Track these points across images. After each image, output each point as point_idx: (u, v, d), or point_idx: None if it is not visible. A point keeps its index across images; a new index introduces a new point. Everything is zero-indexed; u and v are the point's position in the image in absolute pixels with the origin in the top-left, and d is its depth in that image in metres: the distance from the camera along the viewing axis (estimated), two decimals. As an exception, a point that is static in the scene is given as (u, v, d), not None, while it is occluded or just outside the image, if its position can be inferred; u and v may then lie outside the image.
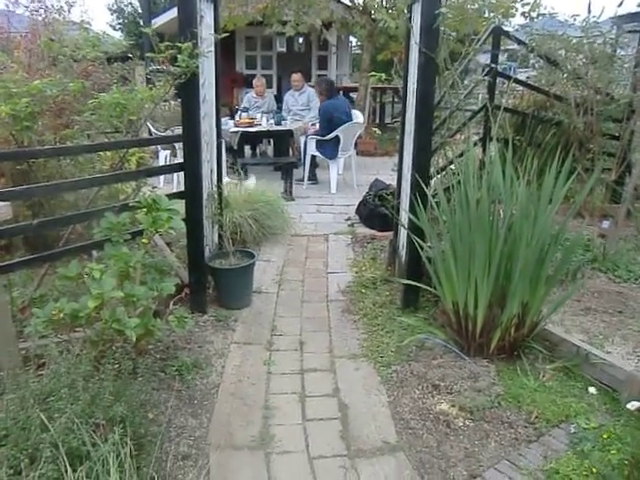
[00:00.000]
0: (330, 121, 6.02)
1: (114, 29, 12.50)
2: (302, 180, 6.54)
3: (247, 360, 2.78)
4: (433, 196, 2.92)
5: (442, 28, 2.62)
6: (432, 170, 3.22)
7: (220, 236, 3.55)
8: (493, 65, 4.31)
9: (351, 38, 12.52)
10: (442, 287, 2.75)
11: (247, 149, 8.29)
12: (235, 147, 6.76)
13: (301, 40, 13.99)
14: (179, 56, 2.52)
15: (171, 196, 2.98)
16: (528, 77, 5.57)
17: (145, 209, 2.48)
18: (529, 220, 2.53)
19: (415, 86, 2.80)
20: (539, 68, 5.21)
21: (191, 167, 2.90)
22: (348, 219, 5.21)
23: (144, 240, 2.47)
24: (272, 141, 7.69)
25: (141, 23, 11.93)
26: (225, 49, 12.44)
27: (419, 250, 2.91)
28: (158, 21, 11.74)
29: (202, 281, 3.15)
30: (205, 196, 3.22)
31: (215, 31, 3.17)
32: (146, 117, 2.82)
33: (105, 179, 2.63)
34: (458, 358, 2.70)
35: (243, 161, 5.82)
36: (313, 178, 6.67)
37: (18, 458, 1.31)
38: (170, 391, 2.45)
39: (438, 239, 2.82)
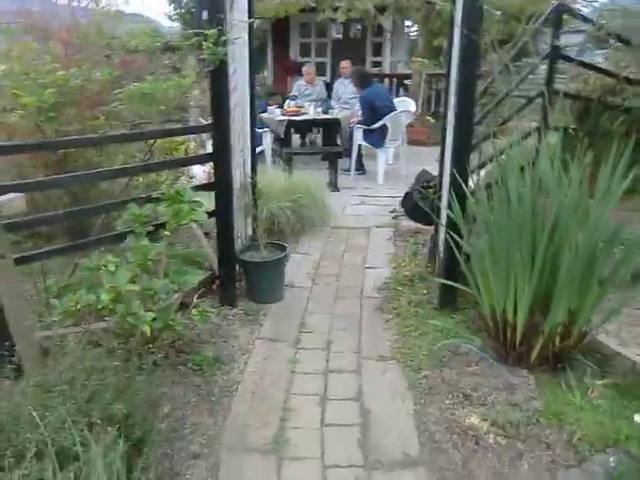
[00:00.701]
0: (372, 109, 5.84)
1: (171, 19, 12.69)
2: (349, 170, 6.39)
3: (271, 357, 2.70)
4: (473, 193, 2.70)
5: (486, 7, 2.38)
6: (476, 163, 2.99)
7: (254, 228, 3.48)
8: (550, 46, 3.96)
9: (409, 23, 12.12)
10: (478, 289, 2.54)
11: (297, 138, 8.24)
12: (282, 136, 6.70)
13: (359, 26, 13.73)
14: (204, 43, 2.44)
15: (200, 187, 2.95)
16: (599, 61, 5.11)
17: (168, 201, 2.44)
18: (578, 216, 2.27)
19: (456, 72, 2.58)
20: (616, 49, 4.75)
21: (220, 158, 2.83)
22: (392, 211, 5.02)
23: (167, 232, 2.43)
24: (321, 130, 7.56)
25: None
26: (279, 36, 12.40)
27: (455, 248, 2.70)
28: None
29: (232, 274, 3.09)
30: (237, 187, 3.15)
31: (249, 16, 3.06)
32: (175, 107, 2.78)
33: (129, 170, 2.61)
34: (494, 366, 2.49)
35: (288, 150, 5.74)
36: (360, 168, 6.50)
37: (5, 455, 1.29)
38: (189, 386, 2.42)
39: (476, 237, 2.60)
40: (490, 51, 2.88)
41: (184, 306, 2.64)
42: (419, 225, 4.56)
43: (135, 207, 2.42)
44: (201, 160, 3.00)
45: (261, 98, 11.50)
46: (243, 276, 3.31)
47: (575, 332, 2.36)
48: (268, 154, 6.11)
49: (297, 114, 6.57)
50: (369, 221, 4.78)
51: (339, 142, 7.46)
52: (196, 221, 2.42)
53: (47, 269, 2.90)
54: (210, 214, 3.02)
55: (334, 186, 5.78)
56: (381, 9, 8.27)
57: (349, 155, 6.45)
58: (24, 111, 2.27)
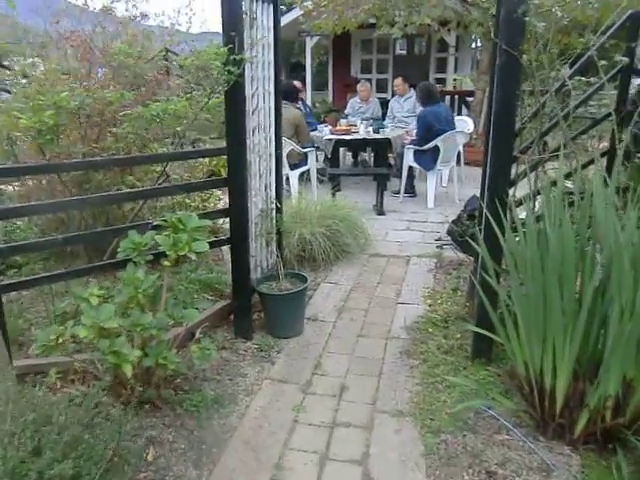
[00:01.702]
0: (429, 130, 5.48)
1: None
2: (399, 192, 6.08)
3: (276, 402, 2.46)
4: (514, 229, 2.34)
5: (527, 18, 2.05)
6: (523, 192, 2.63)
7: (278, 256, 3.28)
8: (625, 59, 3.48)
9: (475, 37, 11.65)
10: (510, 342, 2.17)
11: (349, 157, 8.03)
12: (329, 155, 6.52)
13: (423, 42, 13.42)
14: (214, 63, 2.29)
15: (213, 213, 2.79)
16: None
17: (170, 229, 2.29)
18: (638, 267, 1.87)
19: (494, 93, 2.26)
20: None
21: (235, 182, 2.66)
22: (438, 239, 4.66)
23: (166, 263, 2.27)
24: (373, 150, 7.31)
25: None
26: (340, 53, 12.33)
27: (484, 290, 2.36)
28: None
29: (246, 306, 2.90)
30: (255, 213, 2.97)
31: (275, 35, 2.90)
32: (186, 129, 2.65)
33: (134, 195, 2.50)
34: (529, 438, 2.11)
35: (332, 171, 5.53)
36: (411, 191, 6.17)
37: None
38: (181, 430, 2.23)
39: (511, 280, 2.24)
40: (542, 68, 2.53)
41: (193, 336, 2.49)
42: (464, 258, 4.18)
43: (135, 235, 2.29)
44: (215, 185, 2.85)
45: (319, 116, 11.48)
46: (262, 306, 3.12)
47: (631, 407, 1.95)
48: (313, 174, 5.92)
49: (347, 133, 6.37)
50: (411, 249, 4.45)
51: (392, 162, 7.19)
52: (197, 252, 2.25)
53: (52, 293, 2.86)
54: (225, 241, 2.87)
55: (380, 209, 5.49)
56: (443, 24, 7.93)
57: (400, 176, 6.16)
58: (23, 133, 2.23)
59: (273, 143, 3.07)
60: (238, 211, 2.72)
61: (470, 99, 9.26)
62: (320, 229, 4.00)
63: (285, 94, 5.96)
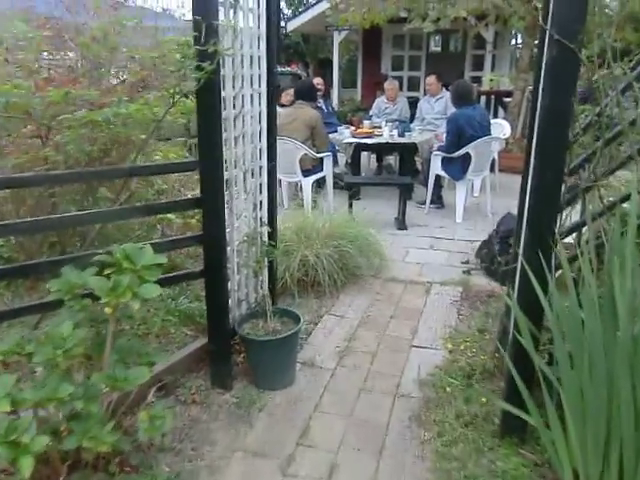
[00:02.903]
0: (460, 136, 4.85)
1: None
2: (424, 203, 5.48)
3: (245, 486, 1.95)
4: (560, 266, 1.76)
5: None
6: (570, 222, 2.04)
7: (270, 289, 2.77)
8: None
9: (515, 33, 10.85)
10: (554, 444, 1.60)
11: (373, 159, 7.45)
12: (349, 160, 5.98)
13: (459, 38, 12.70)
14: (177, 56, 1.79)
15: (180, 242, 2.29)
16: None
17: (115, 267, 1.80)
18: None
19: (540, 95, 1.68)
20: None
21: (209, 203, 2.16)
22: (466, 262, 4.06)
23: (107, 310, 1.78)
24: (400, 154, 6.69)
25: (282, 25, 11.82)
26: (370, 49, 11.71)
27: (524, 357, 1.78)
28: (297, 21, 11.49)
29: (224, 350, 2.40)
30: (240, 239, 2.47)
31: (269, 21, 2.38)
32: (149, 137, 2.16)
33: (80, 218, 2.02)
34: None
35: (349, 180, 4.97)
36: (437, 201, 5.56)
37: None
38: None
39: (560, 357, 1.66)
40: (605, 66, 1.94)
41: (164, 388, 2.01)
42: (496, 287, 3.58)
43: (70, 272, 1.81)
44: (184, 206, 2.34)
45: (346, 115, 10.92)
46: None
47: None
48: (329, 182, 5.38)
49: (369, 136, 5.81)
50: (434, 274, 3.87)
51: (419, 168, 6.58)
52: (145, 299, 1.75)
53: None
54: (198, 274, 2.36)
55: (401, 223, 4.91)
56: (480, 17, 7.25)
57: (426, 181, 5.56)
58: None
59: (265, 154, 2.55)
60: (214, 238, 2.22)
61: (508, 100, 8.54)
62: (327, 250, 3.47)
63: (300, 93, 5.47)
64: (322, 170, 5.24)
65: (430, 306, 3.36)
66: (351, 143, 5.64)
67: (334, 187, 5.56)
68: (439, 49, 13.13)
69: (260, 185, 2.60)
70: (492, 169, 5.30)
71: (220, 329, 2.35)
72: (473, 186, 5.91)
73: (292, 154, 4.94)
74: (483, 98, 9.13)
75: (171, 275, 2.28)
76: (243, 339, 2.46)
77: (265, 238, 2.65)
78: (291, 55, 12.57)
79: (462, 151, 4.88)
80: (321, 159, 5.22)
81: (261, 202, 2.62)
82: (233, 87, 2.19)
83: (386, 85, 7.03)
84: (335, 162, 6.28)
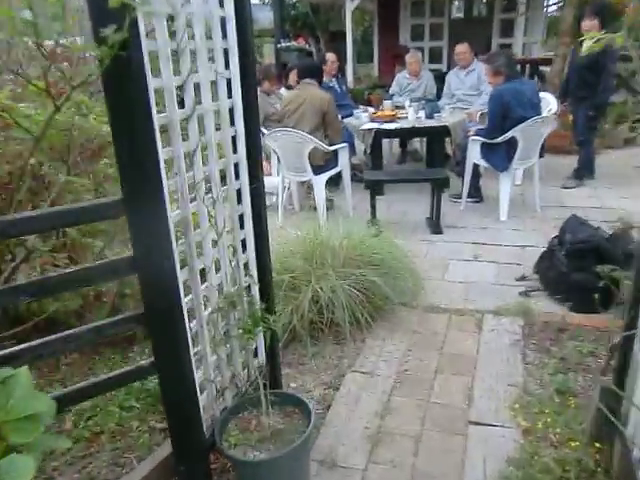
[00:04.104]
0: (505, 117, 3.94)
1: (264, 3, 11.54)
2: (459, 196, 4.63)
3: None
4: None
5: None
6: None
7: (271, 360, 2.00)
8: None
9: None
10: None
11: (395, 144, 6.57)
12: (368, 150, 5.12)
13: (483, 1, 11.59)
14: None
15: (114, 327, 1.49)
16: None
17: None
18: None
19: None
20: None
21: (147, 265, 1.37)
22: (522, 278, 3.23)
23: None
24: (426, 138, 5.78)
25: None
26: (387, 18, 10.65)
27: None
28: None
29: (198, 472, 1.64)
30: (213, 304, 1.69)
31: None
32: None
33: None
34: None
35: (370, 176, 4.12)
36: (475, 194, 4.69)
37: None
38: None
39: None
40: None
41: None
42: (569, 315, 2.75)
43: None
44: (108, 273, 1.47)
45: (362, 93, 9.96)
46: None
47: None
48: (346, 179, 4.54)
49: (391, 120, 4.93)
50: (483, 297, 3.06)
51: (450, 152, 5.70)
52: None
53: None
54: (146, 371, 1.58)
55: (435, 226, 4.08)
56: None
57: (461, 174, 4.70)
58: None
59: (245, 170, 1.75)
60: (161, 315, 1.44)
61: (545, 68, 7.53)
62: (345, 282, 2.68)
63: (305, 72, 4.59)
64: (337, 165, 4.40)
65: (485, 351, 2.55)
66: (370, 129, 4.78)
67: (353, 179, 4.74)
68: (461, 15, 12.00)
69: (241, 217, 1.81)
70: (541, 154, 4.39)
71: (189, 444, 1.59)
72: (515, 173, 5.01)
73: (300, 148, 4.12)
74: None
75: (97, 381, 1.50)
76: (227, 458, 1.69)
77: (255, 292, 1.87)
78: (299, 29, 11.56)
79: (507, 135, 3.98)
80: (335, 152, 4.38)
81: (244, 241, 1.83)
82: (175, 71, 1.38)
83: (408, 58, 6.10)
84: (352, 151, 5.44)
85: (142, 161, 1.26)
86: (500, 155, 4.11)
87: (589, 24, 4.66)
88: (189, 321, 1.57)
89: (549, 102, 5.35)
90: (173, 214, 1.45)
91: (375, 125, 4.77)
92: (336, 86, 6.01)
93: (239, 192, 1.79)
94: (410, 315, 2.91)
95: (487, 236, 3.96)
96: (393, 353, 2.58)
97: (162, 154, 1.34)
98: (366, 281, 2.74)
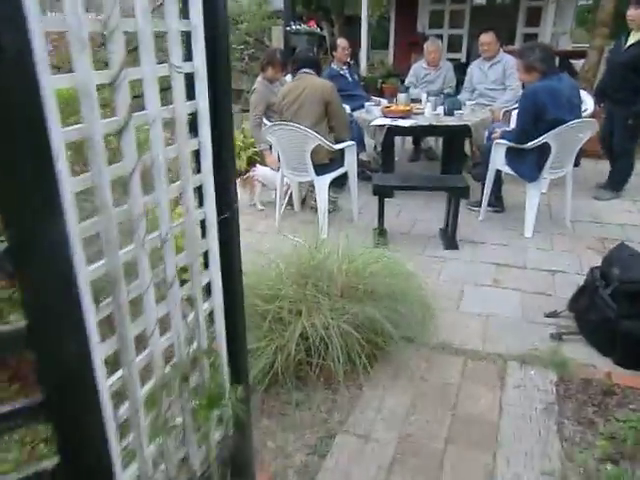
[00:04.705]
0: (539, 118, 3.40)
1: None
2: (477, 204, 4.11)
3: None
4: None
5: None
6: None
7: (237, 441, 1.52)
8: None
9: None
10: None
11: (408, 141, 6.04)
12: (379, 148, 4.61)
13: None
14: None
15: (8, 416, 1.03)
16: None
17: None
18: None
19: None
20: None
21: (46, 340, 0.90)
22: (553, 314, 2.73)
23: None
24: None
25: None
26: (404, 3, 10.01)
27: None
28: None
29: None
30: (158, 374, 1.21)
31: None
32: None
33: None
34: None
35: (379, 182, 3.59)
36: (496, 203, 4.17)
37: None
38: None
39: None
40: None
41: None
42: (617, 372, 2.25)
43: None
44: None
45: (375, 82, 9.37)
46: None
47: None
48: (353, 181, 4.04)
49: (405, 116, 4.40)
50: (506, 336, 2.57)
51: (468, 152, 5.16)
52: None
53: None
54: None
55: (450, 240, 3.58)
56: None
57: (480, 179, 4.18)
58: None
59: (211, 198, 1.26)
60: (67, 408, 0.97)
61: (577, 62, 6.93)
62: (342, 317, 2.20)
63: (303, 63, 4.08)
64: (343, 165, 3.90)
65: (510, 416, 2.07)
66: (382, 126, 4.26)
67: (360, 177, 4.24)
68: (484, 1, 11.31)
69: (206, 254, 1.32)
70: (577, 162, 3.85)
71: None
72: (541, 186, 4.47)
73: (300, 145, 3.61)
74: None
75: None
76: None
77: (222, 361, 1.39)
78: (313, 11, 10.94)
79: (539, 140, 3.45)
80: (342, 151, 3.87)
81: (210, 284, 1.36)
82: (102, 63, 0.90)
83: (427, 46, 5.53)
84: (361, 147, 4.92)
85: (29, 197, 0.79)
86: (529, 163, 3.58)
87: (635, 13, 4.10)
88: (117, 407, 1.11)
89: (584, 101, 4.78)
90: (91, 268, 0.98)
91: (388, 121, 4.24)
92: (347, 74, 5.48)
93: (204, 223, 1.31)
94: (417, 356, 2.43)
95: (509, 255, 3.46)
96: (394, 409, 2.11)
97: (69, 185, 0.86)
98: (366, 318, 2.26)
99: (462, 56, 9.54)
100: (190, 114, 1.24)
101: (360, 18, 9.52)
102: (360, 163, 4.57)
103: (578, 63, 7.15)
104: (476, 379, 2.28)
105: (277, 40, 7.82)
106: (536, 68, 3.34)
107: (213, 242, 1.34)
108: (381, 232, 3.56)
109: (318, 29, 8.75)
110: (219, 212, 1.33)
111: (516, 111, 4.68)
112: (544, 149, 3.48)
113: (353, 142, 3.90)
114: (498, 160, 3.79)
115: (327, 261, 2.52)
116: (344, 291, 2.39)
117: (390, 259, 2.63)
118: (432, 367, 2.37)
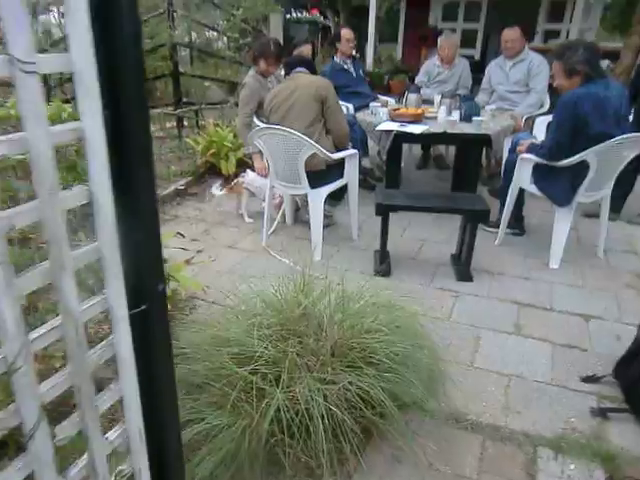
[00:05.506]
0: (578, 132, 2.85)
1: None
2: (495, 225, 3.60)
3: None
4: None
5: None
6: None
7: None
8: None
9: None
10: None
11: (416, 147, 5.51)
12: (383, 156, 4.09)
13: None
14: None
15: None
16: None
17: None
18: None
19: None
20: None
21: None
22: (591, 379, 2.22)
23: None
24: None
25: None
26: (417, -5, 9.44)
27: None
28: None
29: None
30: None
31: None
32: None
33: None
34: None
35: (383, 201, 3.05)
36: (516, 225, 3.66)
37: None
38: None
39: None
40: None
41: None
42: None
43: None
44: None
45: (382, 78, 8.81)
46: None
47: None
48: (353, 195, 3.51)
49: (416, 120, 3.87)
50: (533, 407, 2.07)
51: (483, 162, 4.64)
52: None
53: None
54: None
55: (464, 270, 3.06)
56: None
57: (501, 197, 3.65)
58: None
59: (117, 280, 0.76)
60: None
61: (609, 63, 6.37)
62: (331, 390, 1.70)
63: (295, 64, 3.55)
64: (342, 175, 3.37)
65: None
66: (389, 132, 3.72)
67: (362, 186, 3.74)
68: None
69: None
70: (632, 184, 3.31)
71: None
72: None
73: (293, 152, 3.09)
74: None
75: None
76: None
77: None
78: (318, 2, 10.37)
79: (577, 157, 2.92)
80: (341, 160, 3.34)
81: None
82: None
83: (441, 41, 4.98)
84: (364, 152, 4.40)
85: None
86: (561, 183, 3.05)
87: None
88: None
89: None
90: None
91: (396, 126, 3.70)
92: (351, 69, 4.94)
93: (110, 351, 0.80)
94: (423, 432, 1.93)
95: (532, 292, 2.95)
96: (394, 521, 1.61)
97: None
98: (362, 390, 1.75)
99: (476, 53, 9.00)
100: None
101: (367, 9, 8.95)
102: (362, 170, 4.06)
103: (603, 63, 6.62)
104: (498, 471, 1.79)
105: (275, 29, 7.25)
106: (579, 72, 2.79)
107: (123, 347, 0.84)
108: (383, 257, 3.05)
109: (321, 17, 8.17)
110: (133, 300, 0.83)
111: (541, 118, 4.17)
112: (580, 168, 2.95)
113: (355, 150, 3.37)
114: (524, 178, 3.26)
115: (317, 307, 2.02)
116: (336, 349, 1.89)
117: (395, 305, 2.12)
118: (442, 449, 1.87)
